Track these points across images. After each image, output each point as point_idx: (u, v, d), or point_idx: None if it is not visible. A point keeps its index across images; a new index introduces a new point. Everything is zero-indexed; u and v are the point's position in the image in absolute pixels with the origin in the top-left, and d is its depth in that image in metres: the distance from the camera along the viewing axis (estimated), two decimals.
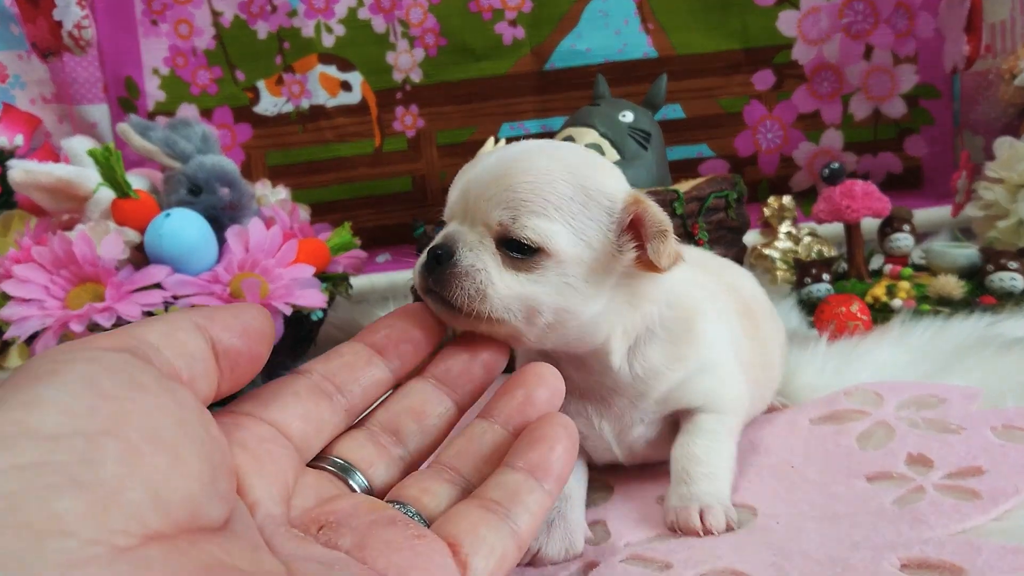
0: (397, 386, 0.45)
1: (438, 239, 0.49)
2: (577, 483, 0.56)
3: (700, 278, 0.61)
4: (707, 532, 0.51)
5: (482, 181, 0.48)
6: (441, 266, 0.47)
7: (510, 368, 0.50)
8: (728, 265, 0.72)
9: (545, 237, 0.46)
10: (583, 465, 0.59)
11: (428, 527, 0.38)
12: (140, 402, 0.28)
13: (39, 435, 0.25)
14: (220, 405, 0.39)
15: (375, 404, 0.44)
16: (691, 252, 0.69)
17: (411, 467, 0.43)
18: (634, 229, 0.48)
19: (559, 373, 0.44)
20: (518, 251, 0.47)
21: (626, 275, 0.50)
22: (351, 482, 0.40)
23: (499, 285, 0.46)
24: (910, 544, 0.46)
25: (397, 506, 0.39)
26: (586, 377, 0.55)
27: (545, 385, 0.44)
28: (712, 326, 0.58)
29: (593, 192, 0.48)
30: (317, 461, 0.41)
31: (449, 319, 0.47)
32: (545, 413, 0.42)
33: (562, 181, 0.47)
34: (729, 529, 0.51)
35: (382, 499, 0.40)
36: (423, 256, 0.48)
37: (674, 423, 0.58)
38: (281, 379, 0.42)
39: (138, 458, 0.27)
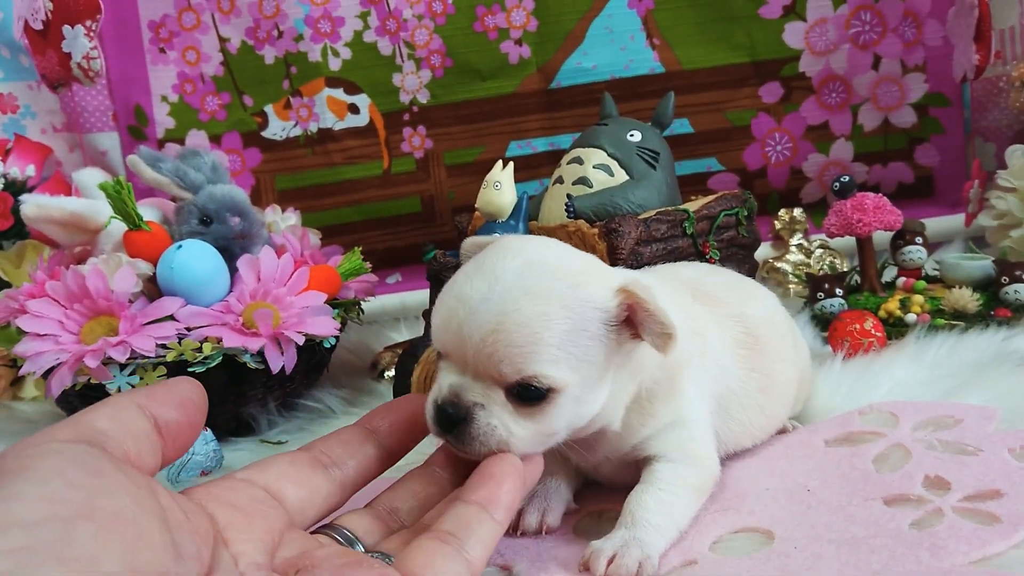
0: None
1: (446, 394, 0.49)
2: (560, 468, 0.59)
3: (696, 320, 0.60)
4: None
5: (477, 333, 0.48)
6: (456, 426, 0.48)
7: None
8: (743, 289, 0.70)
9: (556, 380, 0.48)
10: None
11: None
12: (102, 488, 0.33)
13: (24, 523, 0.30)
14: None
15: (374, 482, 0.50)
16: (707, 281, 0.68)
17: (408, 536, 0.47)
18: (629, 319, 0.50)
19: (520, 464, 0.48)
20: (530, 398, 0.48)
21: (624, 353, 0.51)
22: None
23: (518, 434, 0.49)
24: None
25: (374, 555, 0.44)
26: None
27: (511, 476, 0.47)
28: (692, 381, 0.58)
29: (587, 312, 0.49)
30: (325, 529, 0.46)
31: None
32: (495, 455, 0.48)
33: (557, 320, 0.48)
34: None
35: None
36: (431, 407, 0.50)
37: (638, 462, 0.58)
38: (283, 453, 0.47)
39: (108, 535, 0.31)
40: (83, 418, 0.37)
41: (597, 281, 0.50)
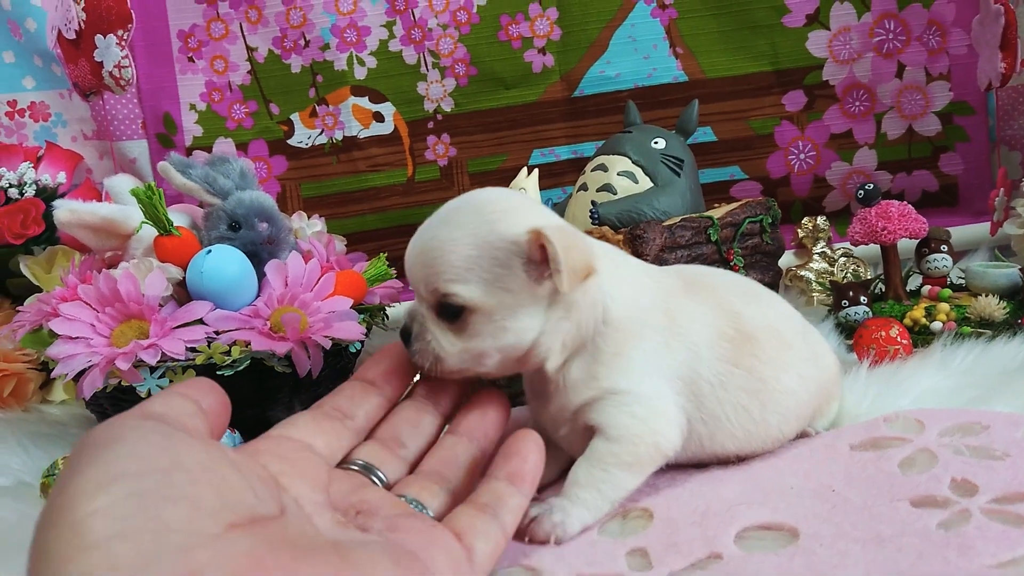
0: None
1: (405, 316, 0.59)
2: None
3: (671, 301, 0.62)
4: (530, 538, 0.55)
5: (412, 260, 0.57)
6: (409, 343, 0.58)
7: None
8: (752, 294, 0.69)
9: (464, 298, 0.54)
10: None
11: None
12: (180, 448, 0.38)
13: (128, 475, 0.35)
14: None
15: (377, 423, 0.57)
16: (714, 278, 0.68)
17: (413, 465, 0.55)
18: (545, 258, 0.54)
19: (504, 396, 0.58)
20: (450, 315, 0.55)
21: (556, 292, 0.56)
22: (373, 477, 0.51)
23: (448, 349, 0.56)
24: None
25: (402, 498, 0.50)
26: (532, 377, 0.62)
27: (495, 406, 0.57)
28: (643, 355, 0.60)
29: (497, 243, 0.54)
30: (343, 464, 0.52)
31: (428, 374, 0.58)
32: (519, 430, 0.53)
33: (466, 245, 0.54)
34: (542, 543, 0.55)
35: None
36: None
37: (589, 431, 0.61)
38: (299, 413, 0.53)
39: (199, 481, 0.36)
40: (141, 406, 0.42)
41: (516, 219, 0.55)
